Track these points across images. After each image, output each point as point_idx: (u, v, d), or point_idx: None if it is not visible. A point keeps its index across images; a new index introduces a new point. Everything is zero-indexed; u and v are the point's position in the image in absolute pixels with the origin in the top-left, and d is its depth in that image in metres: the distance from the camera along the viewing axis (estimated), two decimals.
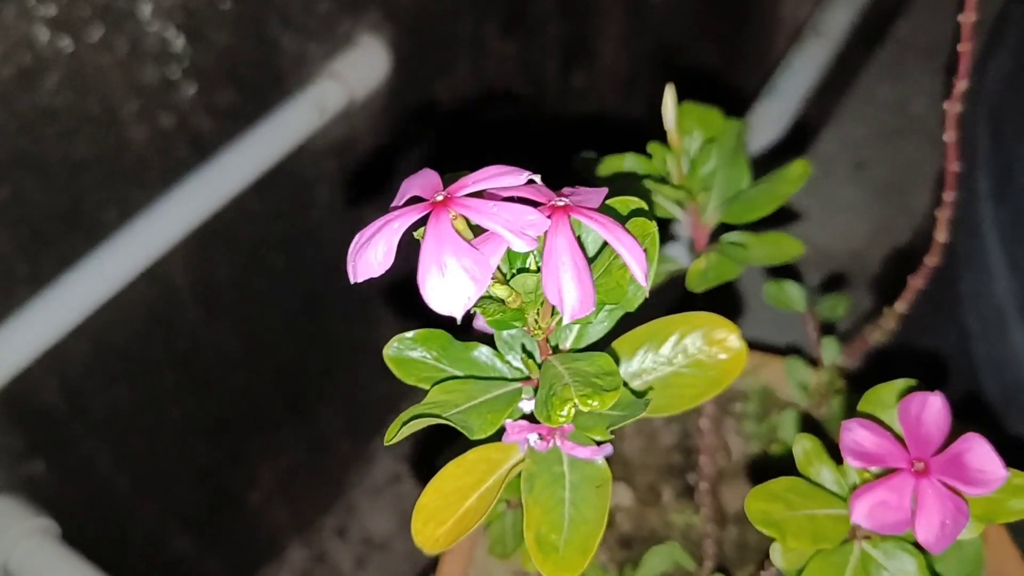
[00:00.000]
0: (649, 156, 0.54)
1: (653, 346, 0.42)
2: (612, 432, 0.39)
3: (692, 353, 0.42)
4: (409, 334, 0.40)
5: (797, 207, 1.28)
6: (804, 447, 0.46)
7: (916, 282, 0.61)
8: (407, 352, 0.40)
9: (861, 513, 0.39)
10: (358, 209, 0.91)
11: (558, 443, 0.40)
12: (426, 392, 0.39)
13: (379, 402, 1.09)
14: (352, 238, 0.32)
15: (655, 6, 1.17)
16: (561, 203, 0.32)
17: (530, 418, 0.41)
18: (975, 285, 0.81)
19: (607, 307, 0.39)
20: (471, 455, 0.41)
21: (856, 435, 0.40)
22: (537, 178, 0.32)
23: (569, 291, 0.31)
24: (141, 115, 0.70)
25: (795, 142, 1.30)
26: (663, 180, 0.54)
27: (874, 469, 0.40)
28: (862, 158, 1.32)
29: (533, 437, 0.40)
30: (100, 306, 0.70)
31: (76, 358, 0.74)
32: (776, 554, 0.45)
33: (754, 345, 0.82)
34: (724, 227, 0.57)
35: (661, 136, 0.55)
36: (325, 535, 1.08)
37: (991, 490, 0.38)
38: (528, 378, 0.40)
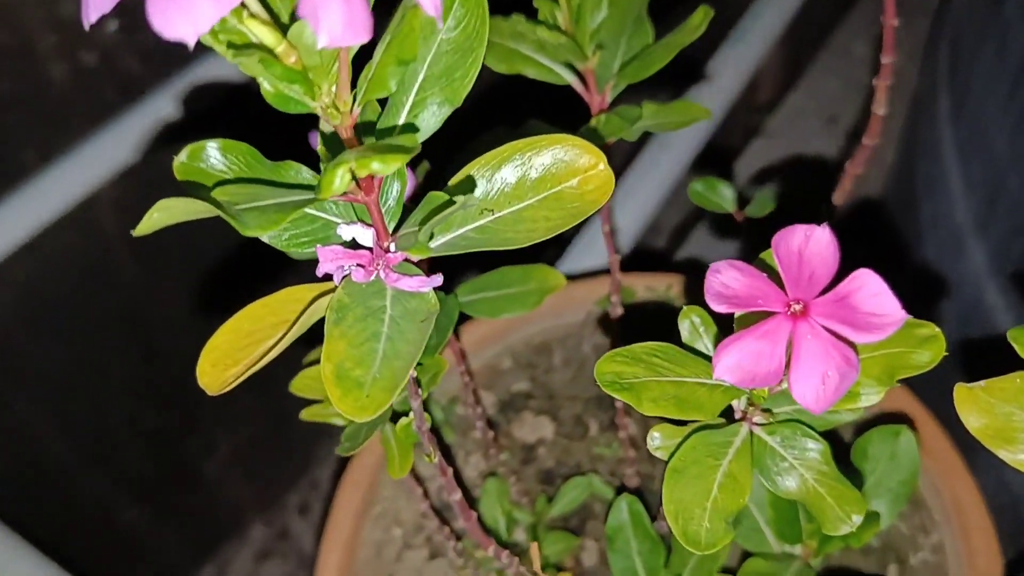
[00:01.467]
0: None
1: (507, 172, 0.35)
2: (435, 245, 0.32)
3: (551, 182, 0.34)
4: (210, 142, 0.33)
5: (767, 160, 1.21)
6: (692, 321, 0.39)
7: (854, 168, 0.53)
8: (203, 162, 0.33)
9: (727, 364, 0.32)
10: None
11: (382, 274, 0.33)
12: None
13: None
14: None
15: None
16: None
17: (351, 245, 0.34)
18: (934, 212, 0.74)
19: (437, 101, 0.32)
20: (281, 293, 0.34)
21: (724, 276, 0.33)
22: None
23: (332, 5, 0.24)
24: (61, 50, 0.64)
25: (767, 97, 1.23)
26: (550, 27, 0.47)
27: (740, 312, 0.32)
28: (835, 112, 1.26)
29: (351, 266, 0.33)
30: (18, 249, 0.64)
31: (2, 314, 0.68)
32: (654, 439, 0.38)
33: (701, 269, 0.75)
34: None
35: None
36: (288, 512, 1.02)
37: (886, 334, 0.31)
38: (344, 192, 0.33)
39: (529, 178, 0.34)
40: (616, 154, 0.95)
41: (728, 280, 0.33)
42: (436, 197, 0.30)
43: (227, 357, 0.33)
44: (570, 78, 0.49)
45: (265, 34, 0.27)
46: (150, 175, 0.70)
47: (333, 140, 0.32)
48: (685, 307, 0.39)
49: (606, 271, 0.79)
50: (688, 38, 0.46)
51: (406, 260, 0.33)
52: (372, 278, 0.33)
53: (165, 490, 0.90)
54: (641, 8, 0.49)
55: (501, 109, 0.60)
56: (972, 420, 0.34)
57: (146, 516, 0.89)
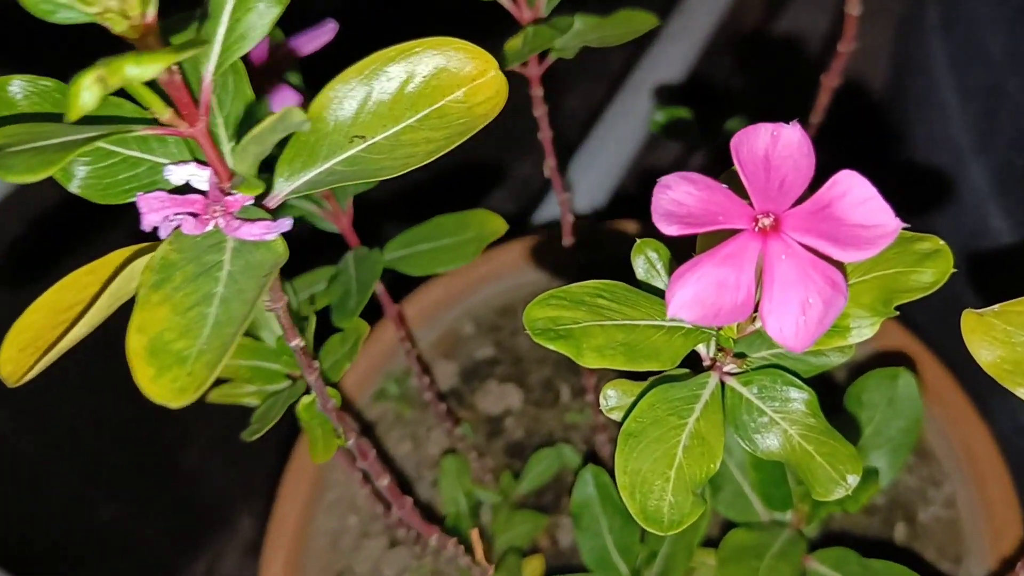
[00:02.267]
0: None
1: (379, 88, 0.28)
2: (296, 185, 0.26)
3: (433, 96, 0.28)
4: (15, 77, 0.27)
5: (741, 102, 1.14)
6: (647, 257, 0.33)
7: (830, 80, 0.47)
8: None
9: (681, 300, 0.25)
10: None
11: (221, 224, 0.26)
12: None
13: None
14: None
15: None
16: None
17: (183, 191, 0.27)
18: (929, 133, 0.67)
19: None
20: (112, 256, 0.28)
21: (675, 192, 0.26)
22: None
23: None
24: None
25: (752, 23, 1.16)
26: None
27: (697, 233, 0.26)
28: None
29: (182, 217, 0.26)
30: None
31: None
32: (608, 398, 0.32)
33: None
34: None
35: None
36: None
37: (878, 248, 0.25)
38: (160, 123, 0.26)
39: (406, 93, 0.28)
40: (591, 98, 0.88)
41: (680, 196, 0.26)
42: (289, 115, 0.24)
43: (40, 339, 0.26)
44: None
45: None
46: None
47: None
48: (639, 240, 0.33)
49: (581, 219, 0.73)
50: None
51: (256, 204, 0.27)
52: (208, 228, 0.26)
53: (142, 484, 0.85)
54: None
55: (406, 29, 0.54)
56: (984, 353, 0.28)
57: (124, 510, 0.84)
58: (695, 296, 0.25)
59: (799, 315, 0.25)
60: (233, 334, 0.24)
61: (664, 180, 0.26)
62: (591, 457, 0.57)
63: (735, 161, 0.26)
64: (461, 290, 0.64)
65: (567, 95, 0.88)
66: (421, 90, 0.28)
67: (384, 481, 0.38)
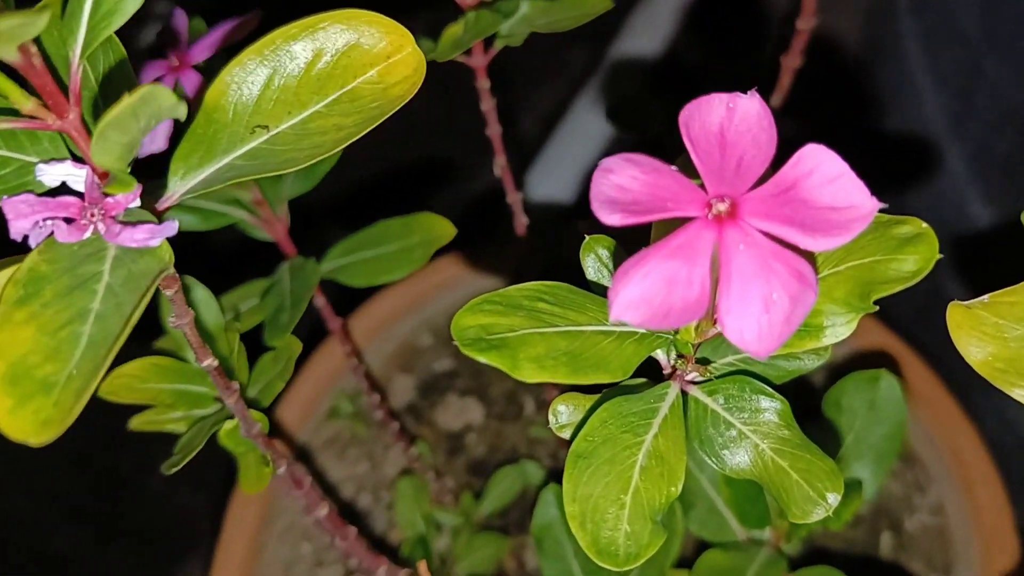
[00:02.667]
0: None
1: (282, 69, 0.25)
2: (193, 183, 0.23)
3: (343, 78, 0.25)
4: None
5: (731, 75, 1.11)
6: (598, 254, 0.29)
7: (790, 61, 0.44)
8: None
9: (626, 300, 0.22)
10: None
11: (100, 229, 0.23)
12: None
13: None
14: None
15: None
16: None
17: (58, 193, 0.24)
18: (902, 114, 0.64)
19: None
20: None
21: (618, 176, 0.23)
22: None
23: None
24: None
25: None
26: None
27: (643, 222, 0.23)
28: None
29: (53, 220, 0.23)
30: None
31: None
32: (558, 414, 0.28)
33: None
34: None
35: None
36: None
37: (853, 233, 0.21)
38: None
39: (313, 75, 0.25)
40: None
41: (624, 181, 0.23)
42: (155, 96, 0.20)
43: None
44: None
45: None
46: None
47: None
48: (589, 236, 0.30)
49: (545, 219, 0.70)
50: None
51: (146, 207, 0.23)
52: (87, 235, 0.23)
53: (103, 511, 0.81)
54: None
55: None
56: (974, 351, 0.25)
57: (86, 536, 0.80)
58: (642, 295, 0.22)
59: (762, 314, 0.21)
60: (105, 356, 0.20)
61: (605, 163, 0.23)
62: (557, 474, 0.54)
63: (684, 138, 0.23)
64: (416, 300, 0.60)
65: (529, 93, 0.85)
66: (330, 71, 0.25)
67: (322, 512, 0.35)
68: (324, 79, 0.25)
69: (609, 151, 0.80)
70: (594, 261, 0.29)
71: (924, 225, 0.23)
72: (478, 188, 0.73)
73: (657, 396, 0.27)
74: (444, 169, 0.75)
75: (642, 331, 0.26)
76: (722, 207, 0.22)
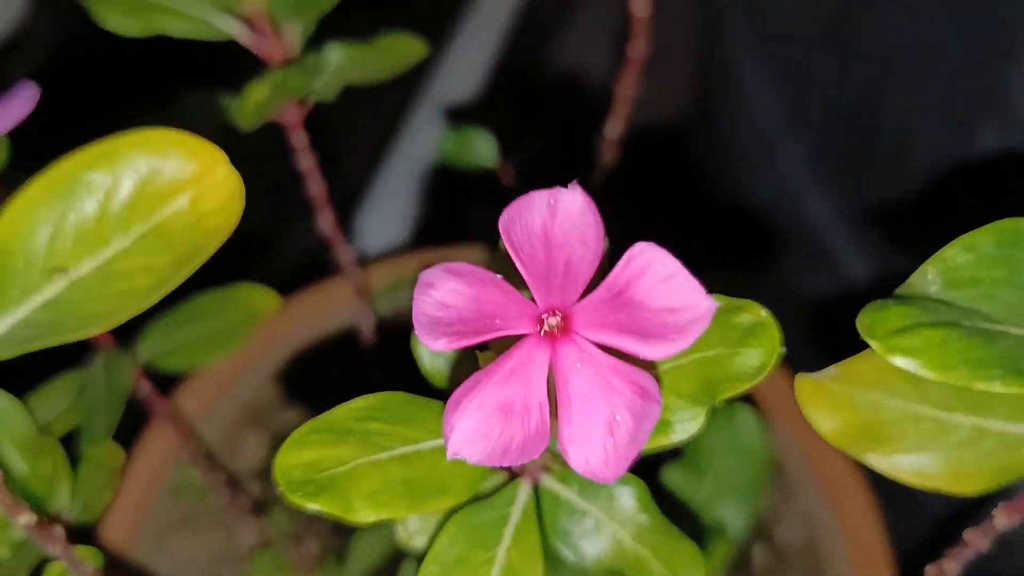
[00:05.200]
0: None
1: (78, 204, 0.22)
2: None
3: (148, 208, 0.22)
4: None
5: (551, 91, 1.11)
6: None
7: (625, 88, 0.43)
8: None
9: (462, 436, 0.20)
10: None
11: None
12: None
13: None
14: None
15: None
16: None
17: None
18: (734, 118, 0.65)
19: None
20: None
21: (439, 292, 0.21)
22: None
23: None
24: None
25: (544, 23, 1.12)
26: None
27: (470, 344, 0.21)
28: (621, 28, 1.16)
29: None
30: None
31: None
32: (408, 526, 0.26)
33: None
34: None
35: None
36: None
37: (693, 337, 0.20)
38: None
39: (113, 208, 0.22)
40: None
41: (446, 296, 0.21)
42: None
43: None
44: (232, 28, 0.36)
45: None
46: None
47: None
48: (414, 333, 0.27)
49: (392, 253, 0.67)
50: None
51: None
52: None
53: None
54: None
55: (150, 82, 0.47)
56: (825, 422, 0.24)
57: None
58: (477, 429, 0.20)
59: (606, 438, 0.20)
60: None
61: (425, 277, 0.21)
62: None
63: (507, 245, 0.21)
64: (257, 351, 0.57)
65: (346, 136, 0.80)
66: (132, 202, 0.22)
67: None
68: (126, 212, 0.22)
69: (438, 183, 0.77)
70: (427, 352, 0.27)
71: (764, 313, 0.22)
72: (303, 247, 0.69)
73: (507, 500, 0.25)
74: (261, 231, 0.70)
75: None
76: (554, 321, 0.20)
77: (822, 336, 0.55)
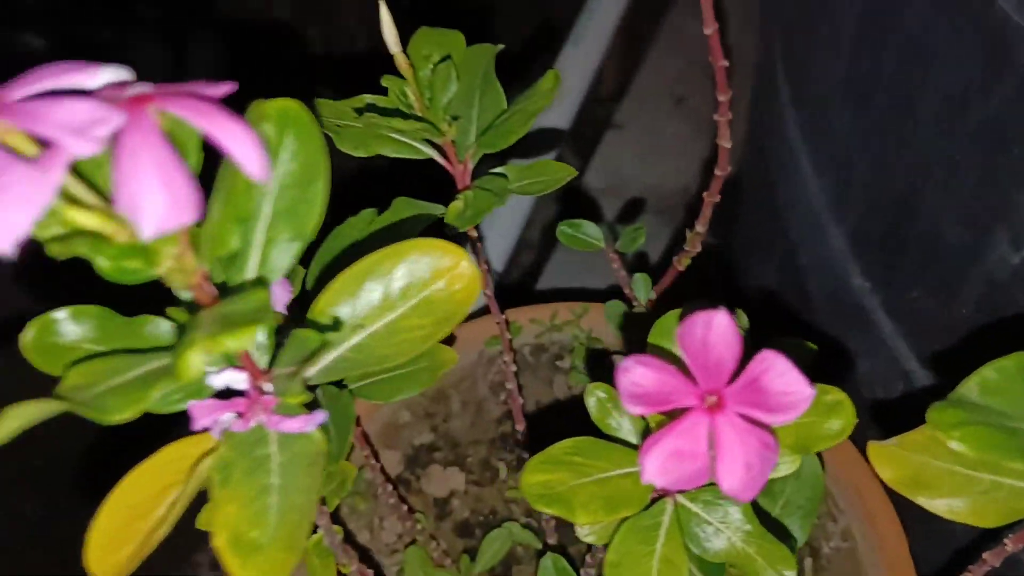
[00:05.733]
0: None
1: (373, 285, 0.34)
2: (312, 389, 0.31)
3: (418, 288, 0.34)
4: (56, 313, 0.31)
5: (621, 145, 1.22)
6: (598, 397, 0.39)
7: (711, 197, 0.54)
8: (54, 337, 0.31)
9: (653, 469, 0.32)
10: None
11: (263, 419, 0.31)
12: None
13: None
14: None
15: None
16: (138, 92, 0.23)
17: (224, 395, 0.32)
18: (791, 193, 0.76)
19: (286, 238, 0.31)
20: (160, 455, 0.32)
21: (634, 375, 0.33)
22: (127, 73, 0.24)
23: (149, 193, 0.22)
24: None
25: (611, 87, 1.24)
26: (405, 116, 0.46)
27: (657, 412, 0.33)
28: (680, 93, 1.28)
29: (228, 417, 0.31)
30: None
31: None
32: (583, 528, 0.38)
33: (573, 294, 0.76)
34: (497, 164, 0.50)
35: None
36: (203, 570, 0.97)
37: (798, 413, 0.32)
38: None
39: (398, 286, 0.34)
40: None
41: (638, 378, 0.33)
42: (304, 337, 0.29)
43: (116, 537, 0.31)
44: (430, 152, 0.48)
45: (91, 220, 0.25)
46: None
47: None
48: (589, 384, 0.39)
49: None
50: (542, 103, 0.46)
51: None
52: (252, 425, 0.32)
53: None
54: (488, 70, 0.49)
55: (370, 186, 0.59)
56: (887, 473, 0.35)
57: None
58: (662, 466, 0.32)
59: (744, 475, 0.32)
60: (299, 521, 0.29)
61: (623, 365, 0.33)
62: (536, 530, 0.63)
63: (681, 348, 0.33)
64: None
65: None
66: (408, 283, 0.34)
67: None
68: (405, 290, 0.34)
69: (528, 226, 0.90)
70: (595, 402, 0.39)
71: (842, 395, 0.34)
72: None
73: (659, 512, 0.37)
74: None
75: None
76: (712, 399, 0.32)
77: (858, 395, 0.66)
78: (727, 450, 0.32)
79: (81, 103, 0.22)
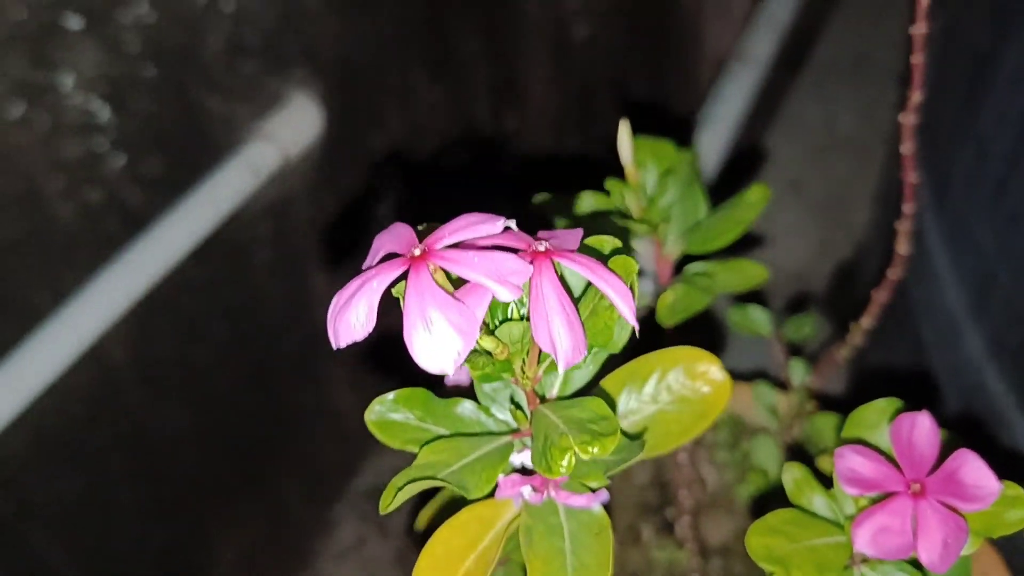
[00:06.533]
0: (606, 193, 0.54)
1: (636, 386, 0.41)
2: (609, 477, 0.38)
3: (676, 389, 0.41)
4: (389, 395, 0.39)
5: (748, 235, 1.29)
6: (794, 476, 0.45)
7: (881, 296, 0.61)
8: (389, 415, 0.38)
9: (864, 540, 0.38)
10: (300, 271, 0.89)
11: (552, 494, 0.38)
12: (401, 455, 0.38)
13: (337, 466, 1.06)
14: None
15: (578, 46, 1.17)
16: (542, 247, 0.30)
17: (522, 471, 0.39)
18: (926, 295, 0.82)
19: (593, 350, 0.38)
20: (462, 515, 0.40)
21: (850, 462, 0.39)
22: (513, 224, 0.31)
23: (561, 337, 0.30)
24: (67, 192, 0.67)
25: (733, 167, 1.32)
26: (623, 215, 0.54)
27: (870, 494, 0.39)
28: (797, 177, 1.34)
29: (527, 490, 0.38)
30: (38, 396, 0.67)
31: (15, 453, 0.70)
32: None
33: None
34: (685, 258, 0.57)
35: (599, 173, 0.54)
36: None
37: (987, 504, 0.38)
38: (516, 430, 0.39)
39: (661, 386, 0.41)
40: None
41: (854, 465, 0.39)
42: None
43: (445, 566, 0.38)
44: (639, 246, 0.55)
45: (490, 344, 0.33)
46: (153, 300, 0.72)
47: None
48: (786, 463, 0.46)
49: None
50: (752, 213, 0.53)
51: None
52: (544, 497, 0.39)
53: None
54: (694, 179, 0.56)
55: None
56: None
57: None
58: (872, 538, 0.38)
59: (942, 551, 0.38)
60: None
61: (840, 451, 0.39)
62: None
63: (891, 443, 0.39)
64: None
65: None
66: (672, 383, 0.41)
67: None
68: (664, 389, 0.41)
69: None
70: (791, 480, 0.46)
71: (1022, 491, 0.40)
72: None
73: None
74: None
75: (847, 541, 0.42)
76: (916, 487, 0.39)
77: None
78: (928, 529, 0.38)
79: (507, 257, 0.29)
